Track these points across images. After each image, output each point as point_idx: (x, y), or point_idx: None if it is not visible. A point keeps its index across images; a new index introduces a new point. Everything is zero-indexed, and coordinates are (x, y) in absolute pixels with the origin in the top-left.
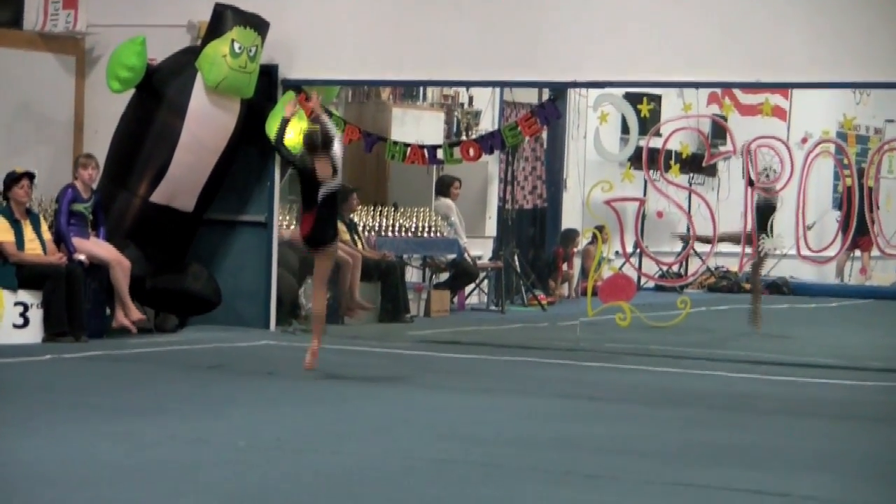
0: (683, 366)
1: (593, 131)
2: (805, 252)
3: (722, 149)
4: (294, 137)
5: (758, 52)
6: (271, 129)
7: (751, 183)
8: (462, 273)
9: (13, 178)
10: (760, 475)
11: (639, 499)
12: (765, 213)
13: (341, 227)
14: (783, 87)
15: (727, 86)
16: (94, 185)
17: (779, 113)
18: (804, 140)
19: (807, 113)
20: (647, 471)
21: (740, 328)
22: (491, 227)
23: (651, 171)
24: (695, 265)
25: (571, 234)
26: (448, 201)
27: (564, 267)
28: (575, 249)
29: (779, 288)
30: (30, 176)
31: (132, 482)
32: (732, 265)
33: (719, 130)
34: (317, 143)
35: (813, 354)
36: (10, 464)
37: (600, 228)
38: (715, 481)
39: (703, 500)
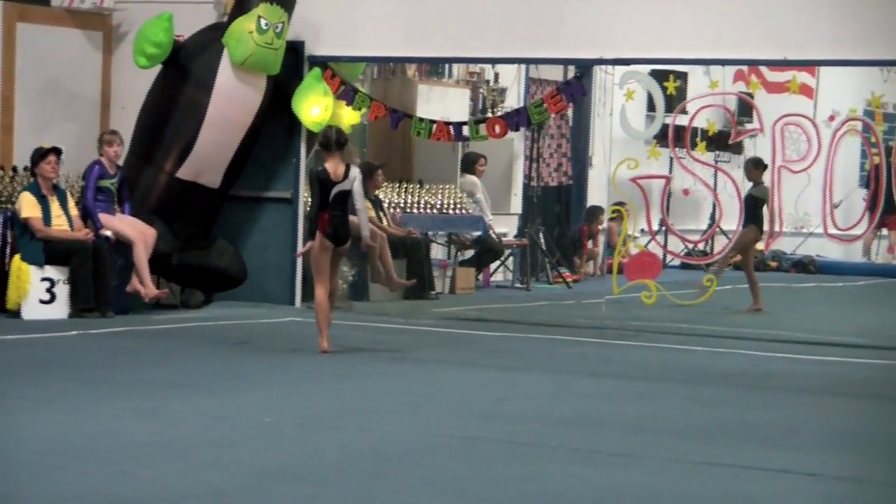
0: (709, 344)
1: (619, 108)
2: (832, 230)
3: (748, 126)
4: (321, 115)
5: (785, 29)
6: (297, 105)
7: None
8: (487, 250)
9: (40, 154)
10: (788, 454)
11: (665, 477)
12: (755, 204)
13: (367, 204)
14: (810, 65)
15: (754, 63)
16: (120, 162)
17: (806, 91)
18: (831, 118)
19: (834, 91)
20: (673, 449)
21: (767, 306)
22: (516, 204)
23: (677, 149)
24: (721, 243)
25: (596, 212)
26: (473, 178)
27: (589, 244)
28: (600, 227)
29: (805, 266)
30: (57, 152)
31: (158, 458)
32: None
33: (746, 108)
34: (331, 140)
35: (840, 333)
36: (37, 439)
37: (621, 204)
38: (742, 460)
39: (730, 479)
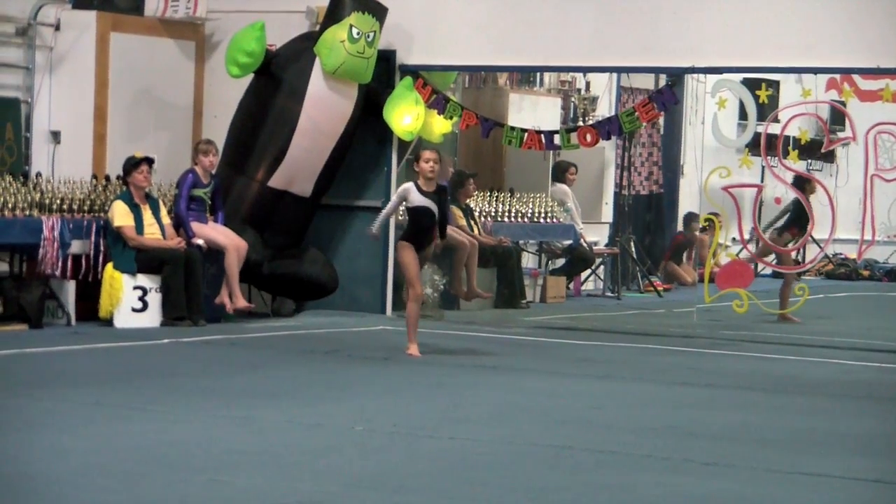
0: (801, 353)
1: (711, 117)
2: None
3: (841, 135)
4: (412, 124)
5: (878, 37)
6: (389, 114)
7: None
8: (578, 259)
9: (133, 164)
10: (880, 464)
11: (757, 487)
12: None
13: (457, 211)
14: None
15: (847, 72)
16: (214, 171)
17: None
18: None
19: None
20: (765, 459)
21: (859, 315)
22: (607, 213)
23: (769, 157)
24: (813, 252)
25: (692, 218)
26: (564, 187)
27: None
28: (696, 234)
29: None
30: (149, 161)
31: (250, 467)
32: (851, 252)
33: (838, 116)
34: None
35: None
36: (129, 447)
37: (715, 215)
38: (834, 469)
39: (822, 489)
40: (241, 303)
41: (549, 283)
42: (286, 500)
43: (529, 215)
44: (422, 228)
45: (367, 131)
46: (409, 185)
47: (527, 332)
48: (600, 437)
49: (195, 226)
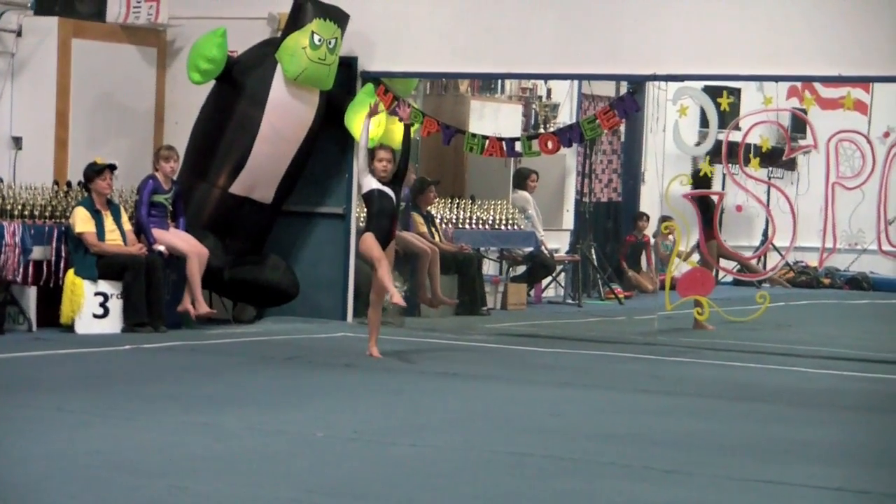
0: (762, 361)
1: (672, 124)
2: (886, 247)
3: (802, 143)
4: (373, 130)
5: (839, 45)
6: (350, 121)
7: None
8: (539, 266)
9: (96, 171)
10: (840, 472)
11: (717, 495)
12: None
13: (418, 218)
14: (865, 81)
15: (808, 79)
16: (175, 177)
17: (860, 107)
18: (886, 134)
19: (889, 107)
20: (725, 466)
21: (820, 323)
22: (568, 220)
23: (730, 165)
24: (774, 260)
25: (641, 217)
26: (525, 194)
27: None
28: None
29: (859, 283)
30: (112, 168)
31: (211, 472)
32: (812, 260)
33: (800, 124)
34: None
35: (894, 350)
36: (90, 453)
37: (668, 219)
38: (794, 478)
39: (782, 497)
40: (204, 309)
41: (510, 290)
42: None
43: (491, 222)
44: (383, 211)
45: (328, 138)
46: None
47: (488, 339)
48: (561, 444)
49: (156, 232)
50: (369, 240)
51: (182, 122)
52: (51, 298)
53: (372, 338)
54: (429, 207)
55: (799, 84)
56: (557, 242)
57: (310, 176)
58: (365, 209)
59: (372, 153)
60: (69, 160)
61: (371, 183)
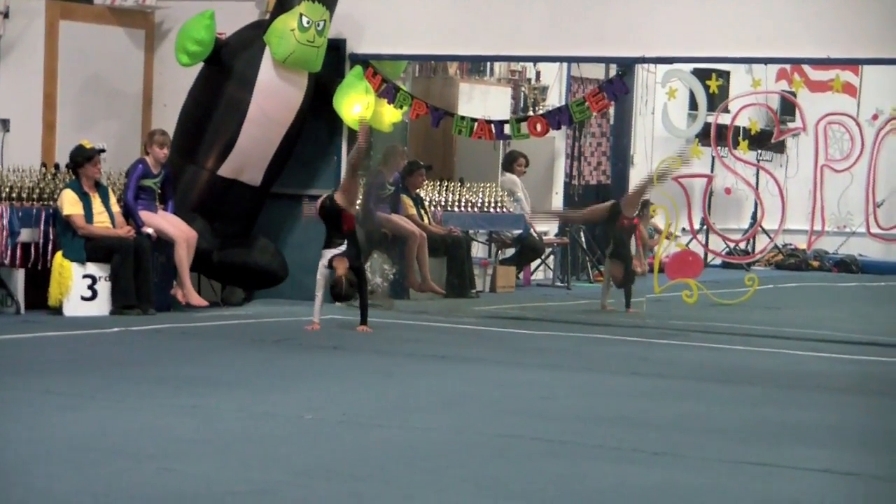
0: (751, 343)
1: (661, 107)
2: (874, 230)
3: (791, 125)
4: (361, 112)
5: (828, 27)
6: (338, 103)
7: None
8: (528, 249)
9: (87, 157)
10: (829, 454)
11: (706, 476)
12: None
13: (407, 201)
14: (854, 64)
15: (797, 62)
16: (164, 162)
17: (849, 89)
18: (875, 117)
19: (878, 89)
20: (714, 448)
21: (809, 306)
22: (557, 203)
23: (719, 148)
24: (762, 242)
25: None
26: (514, 177)
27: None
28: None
29: (847, 266)
30: (101, 152)
31: (200, 455)
32: (801, 243)
33: (788, 107)
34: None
35: (882, 333)
36: (78, 435)
37: (645, 203)
38: (783, 460)
39: (770, 479)
40: (193, 297)
41: (499, 273)
42: (235, 488)
43: (479, 205)
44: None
45: (317, 120)
46: None
47: (476, 322)
48: (550, 426)
49: (144, 215)
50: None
51: (170, 104)
52: (39, 281)
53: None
54: (418, 190)
55: (788, 66)
56: (546, 225)
57: (298, 158)
58: None
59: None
60: (57, 143)
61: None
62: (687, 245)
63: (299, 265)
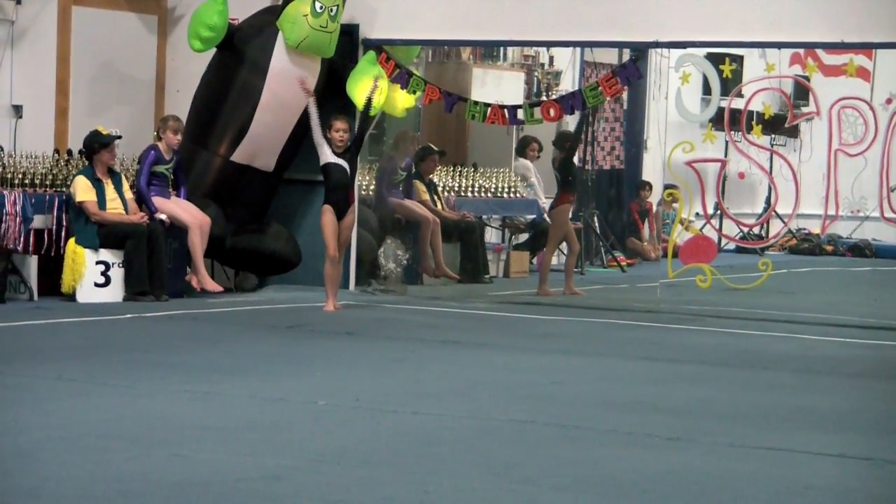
0: (764, 328)
1: (675, 92)
2: (888, 214)
3: (805, 110)
4: (377, 98)
5: (842, 11)
6: (351, 89)
7: None
8: (541, 234)
9: (103, 143)
10: (843, 438)
11: (719, 461)
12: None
13: (420, 186)
14: (867, 48)
15: (810, 46)
16: (176, 148)
17: (863, 74)
18: (888, 101)
19: (891, 73)
20: (727, 433)
21: (822, 291)
22: None
23: (733, 132)
24: (776, 227)
25: (643, 186)
26: (527, 162)
27: (646, 227)
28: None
29: (861, 250)
30: (117, 138)
31: (213, 441)
32: (815, 227)
33: (802, 91)
34: None
35: None
36: (91, 421)
37: (674, 187)
38: (797, 445)
39: (785, 464)
40: (208, 282)
41: (513, 258)
42: (248, 474)
43: (493, 190)
44: (339, 184)
45: (329, 106)
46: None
47: (490, 307)
48: (563, 411)
49: (157, 201)
50: (327, 215)
51: (183, 90)
52: (52, 267)
53: (329, 293)
54: (431, 175)
55: (802, 51)
56: None
57: (311, 144)
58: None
59: (328, 123)
60: (70, 129)
61: (327, 156)
62: (701, 230)
63: (312, 251)
